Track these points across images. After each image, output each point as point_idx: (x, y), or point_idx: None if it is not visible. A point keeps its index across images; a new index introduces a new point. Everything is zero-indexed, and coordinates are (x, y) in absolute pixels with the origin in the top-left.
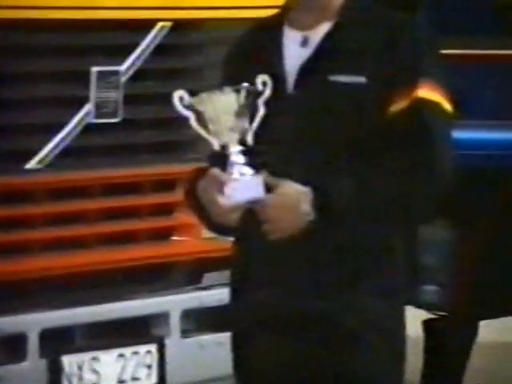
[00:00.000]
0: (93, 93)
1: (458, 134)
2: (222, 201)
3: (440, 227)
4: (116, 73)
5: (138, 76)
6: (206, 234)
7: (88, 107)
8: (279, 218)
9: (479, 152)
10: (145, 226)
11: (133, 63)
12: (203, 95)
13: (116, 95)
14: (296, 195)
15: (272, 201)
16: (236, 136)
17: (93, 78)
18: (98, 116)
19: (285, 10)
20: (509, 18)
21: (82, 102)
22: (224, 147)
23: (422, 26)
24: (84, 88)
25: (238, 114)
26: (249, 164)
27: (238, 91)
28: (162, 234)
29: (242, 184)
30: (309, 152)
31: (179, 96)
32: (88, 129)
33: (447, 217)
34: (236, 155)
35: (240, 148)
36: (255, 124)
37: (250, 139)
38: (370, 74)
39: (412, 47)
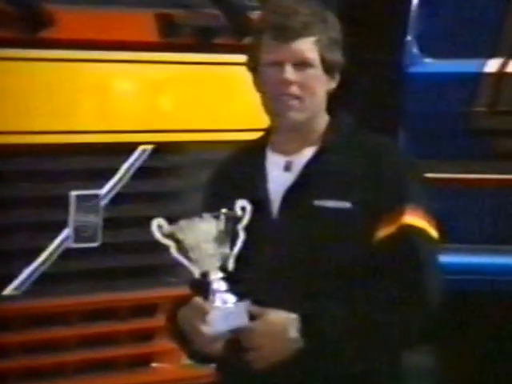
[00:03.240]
0: (72, 217)
1: (444, 259)
2: (204, 330)
3: (425, 353)
4: (96, 196)
5: (118, 199)
6: (186, 360)
7: (67, 232)
8: (265, 346)
9: (465, 277)
10: (124, 352)
11: (113, 187)
12: (182, 223)
13: (95, 219)
14: (282, 322)
15: (257, 329)
16: (217, 263)
17: (72, 202)
18: (76, 240)
19: (267, 133)
20: (486, 142)
21: (60, 226)
22: (205, 275)
23: (404, 149)
24: (63, 212)
25: (219, 241)
26: (231, 291)
27: (217, 217)
28: (142, 361)
29: (225, 312)
30: (295, 278)
31: (158, 224)
32: (67, 253)
33: (432, 343)
34: (217, 282)
35: (221, 275)
36: (236, 250)
37: (230, 265)
38: (355, 198)
39: (396, 172)
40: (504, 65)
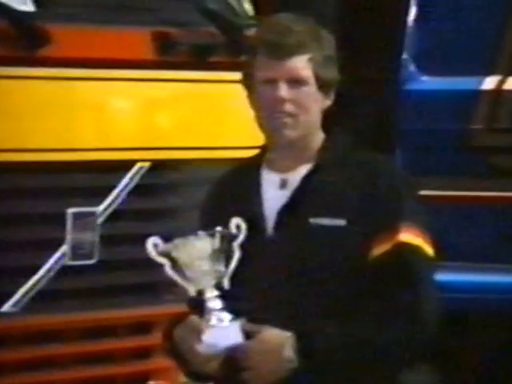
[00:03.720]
0: (69, 234)
1: (440, 277)
2: (200, 349)
3: (422, 373)
4: (92, 214)
5: (115, 216)
6: (183, 378)
7: (64, 249)
8: (260, 365)
9: (462, 295)
10: (121, 370)
11: (110, 204)
12: (177, 241)
13: (92, 236)
14: (278, 341)
15: (252, 347)
16: (212, 281)
17: (69, 220)
18: (73, 258)
19: (263, 151)
20: (483, 160)
21: (57, 243)
22: (200, 293)
23: (400, 167)
24: (60, 230)
25: (213, 259)
26: (227, 309)
27: (212, 235)
28: (139, 379)
29: (220, 331)
30: (290, 295)
31: (153, 243)
32: (64, 271)
33: (431, 361)
34: (213, 301)
35: (216, 293)
36: (231, 268)
37: (226, 283)
38: (350, 216)
39: (391, 190)
40: (501, 82)
